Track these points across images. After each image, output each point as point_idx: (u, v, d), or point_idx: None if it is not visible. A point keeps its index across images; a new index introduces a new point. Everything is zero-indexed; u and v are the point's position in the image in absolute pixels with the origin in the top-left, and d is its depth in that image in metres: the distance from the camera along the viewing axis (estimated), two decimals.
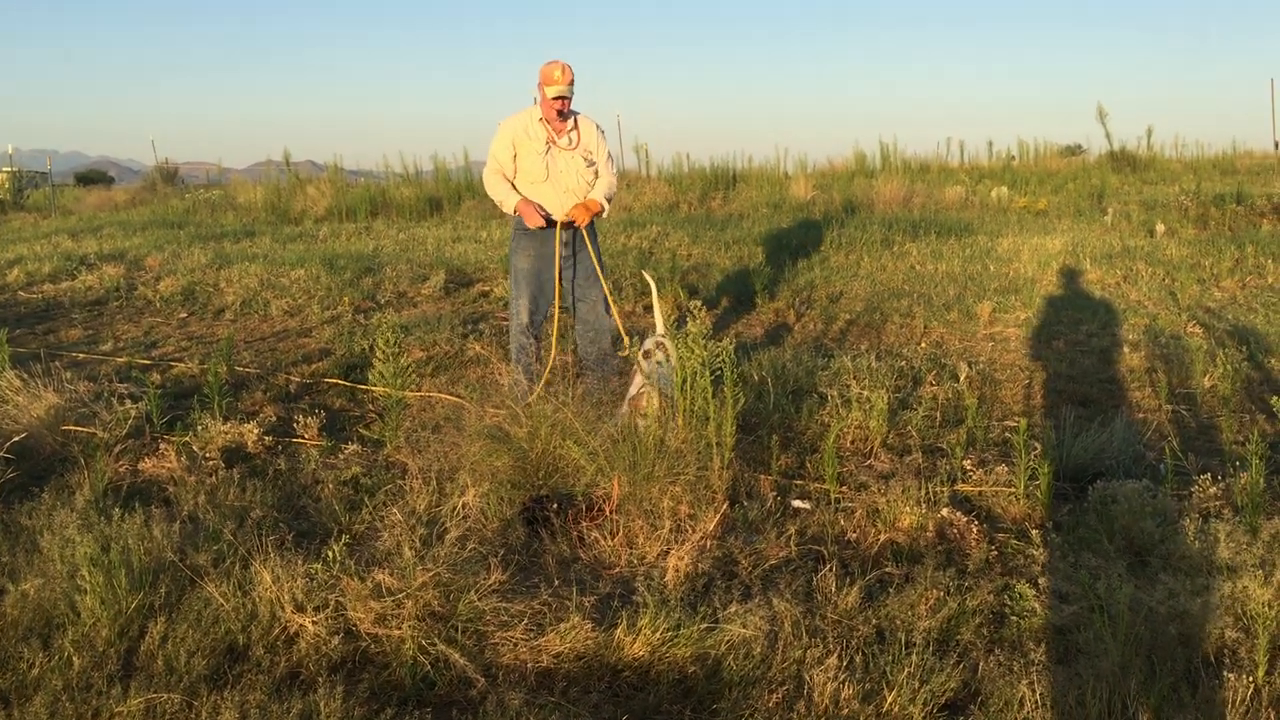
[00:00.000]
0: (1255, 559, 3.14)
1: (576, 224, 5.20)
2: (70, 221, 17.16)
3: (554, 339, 5.24)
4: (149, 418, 4.78)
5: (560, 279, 5.32)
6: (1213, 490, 3.74)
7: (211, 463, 4.37)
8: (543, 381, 4.77)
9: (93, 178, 32.63)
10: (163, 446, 4.53)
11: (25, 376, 4.90)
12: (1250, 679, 2.55)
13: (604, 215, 5.41)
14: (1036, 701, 2.51)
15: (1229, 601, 2.91)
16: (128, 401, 4.89)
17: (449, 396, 5.29)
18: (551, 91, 5.04)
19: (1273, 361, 5.85)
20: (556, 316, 5.41)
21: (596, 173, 5.31)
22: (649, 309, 5.44)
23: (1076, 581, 3.08)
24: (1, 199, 20.68)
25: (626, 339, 4.50)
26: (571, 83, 5.06)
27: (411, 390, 5.19)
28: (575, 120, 5.26)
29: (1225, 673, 2.58)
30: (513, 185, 5.22)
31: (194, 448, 4.48)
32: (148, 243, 12.98)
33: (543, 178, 5.19)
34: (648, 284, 5.62)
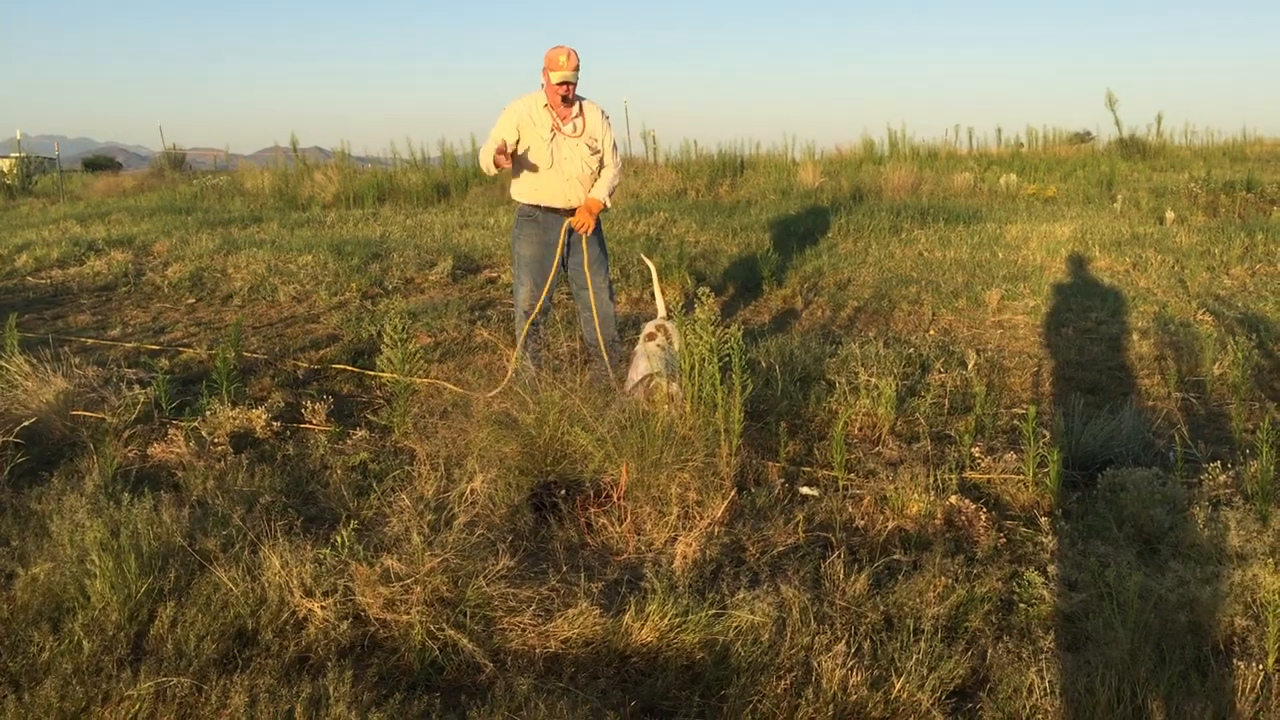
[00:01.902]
0: (1266, 547, 3.14)
1: (582, 230, 5.17)
2: (78, 207, 17.18)
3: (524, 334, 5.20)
4: (158, 403, 4.79)
5: (565, 266, 5.30)
6: (1223, 478, 3.73)
7: (220, 448, 4.38)
8: (514, 365, 4.75)
9: (101, 163, 32.61)
10: (171, 432, 4.53)
11: (34, 361, 4.92)
12: (1260, 667, 2.54)
13: (607, 210, 5.38)
14: (1045, 689, 2.50)
15: (1239, 589, 2.90)
16: (136, 387, 4.91)
17: (456, 388, 5.27)
18: (556, 77, 5.00)
19: None
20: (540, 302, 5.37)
21: (601, 160, 5.26)
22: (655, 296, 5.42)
23: (1085, 569, 3.08)
24: (10, 184, 20.68)
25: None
26: (577, 68, 5.00)
27: (419, 376, 5.19)
28: (581, 106, 5.21)
29: (1235, 661, 2.58)
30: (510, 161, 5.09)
31: (202, 433, 4.48)
32: (156, 228, 12.99)
33: (547, 165, 5.13)
34: (648, 268, 5.60)
